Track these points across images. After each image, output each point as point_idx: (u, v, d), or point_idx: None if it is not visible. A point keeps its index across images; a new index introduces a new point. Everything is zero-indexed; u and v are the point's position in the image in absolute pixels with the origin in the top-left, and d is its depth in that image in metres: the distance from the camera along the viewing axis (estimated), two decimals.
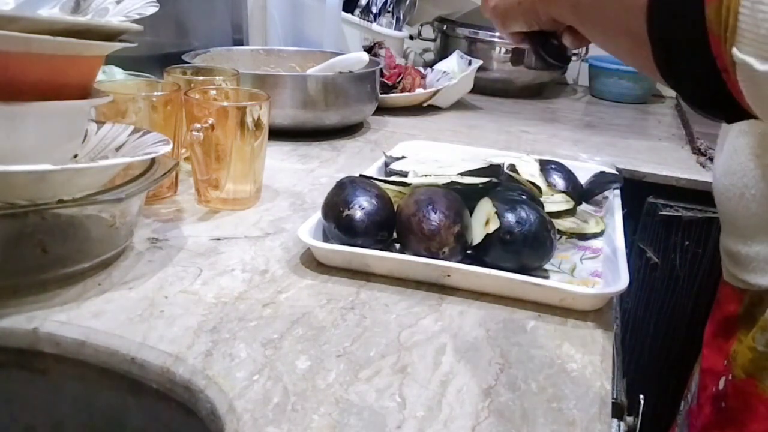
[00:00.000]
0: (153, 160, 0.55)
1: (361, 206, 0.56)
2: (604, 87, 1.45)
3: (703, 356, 0.63)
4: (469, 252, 0.57)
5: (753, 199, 0.55)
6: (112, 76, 0.77)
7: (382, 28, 1.28)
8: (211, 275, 0.53)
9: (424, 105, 1.20)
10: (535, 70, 1.39)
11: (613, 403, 0.42)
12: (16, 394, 0.48)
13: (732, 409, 0.56)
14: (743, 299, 0.58)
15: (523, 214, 0.55)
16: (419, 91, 1.19)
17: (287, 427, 0.37)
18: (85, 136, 0.56)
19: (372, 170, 0.72)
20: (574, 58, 0.61)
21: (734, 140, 0.58)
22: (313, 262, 0.57)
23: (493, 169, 0.65)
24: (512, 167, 0.71)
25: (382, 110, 1.12)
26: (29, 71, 0.45)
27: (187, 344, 0.44)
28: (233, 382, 0.40)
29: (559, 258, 0.60)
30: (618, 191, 0.74)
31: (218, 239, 0.60)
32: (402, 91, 1.18)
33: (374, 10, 1.26)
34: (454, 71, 1.26)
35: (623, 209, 0.70)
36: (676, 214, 0.94)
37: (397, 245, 0.59)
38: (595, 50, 1.36)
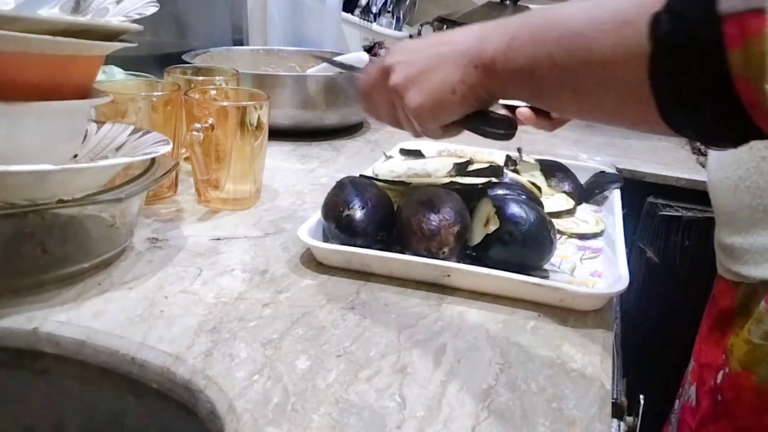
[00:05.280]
0: (153, 160, 0.55)
1: (361, 206, 0.56)
2: None
3: (700, 351, 0.63)
4: (469, 252, 0.57)
5: (747, 191, 0.55)
6: (112, 76, 0.77)
7: (382, 28, 1.28)
8: (211, 275, 0.53)
9: None
10: None
11: (613, 403, 0.42)
12: (16, 394, 0.48)
13: (726, 401, 0.56)
14: (738, 292, 0.58)
15: (523, 214, 0.55)
16: None
17: (287, 427, 0.37)
18: (85, 136, 0.56)
19: (372, 170, 0.72)
20: None
21: None
22: (313, 262, 0.56)
23: (493, 169, 0.65)
24: (512, 167, 0.72)
25: None
26: (29, 71, 0.45)
27: (187, 344, 0.44)
28: (233, 382, 0.40)
29: (559, 258, 0.60)
30: (618, 191, 0.74)
31: (218, 239, 0.60)
32: None
33: (374, 10, 1.26)
34: None
35: (623, 209, 0.70)
36: (676, 213, 0.94)
37: (397, 245, 0.59)
38: None
